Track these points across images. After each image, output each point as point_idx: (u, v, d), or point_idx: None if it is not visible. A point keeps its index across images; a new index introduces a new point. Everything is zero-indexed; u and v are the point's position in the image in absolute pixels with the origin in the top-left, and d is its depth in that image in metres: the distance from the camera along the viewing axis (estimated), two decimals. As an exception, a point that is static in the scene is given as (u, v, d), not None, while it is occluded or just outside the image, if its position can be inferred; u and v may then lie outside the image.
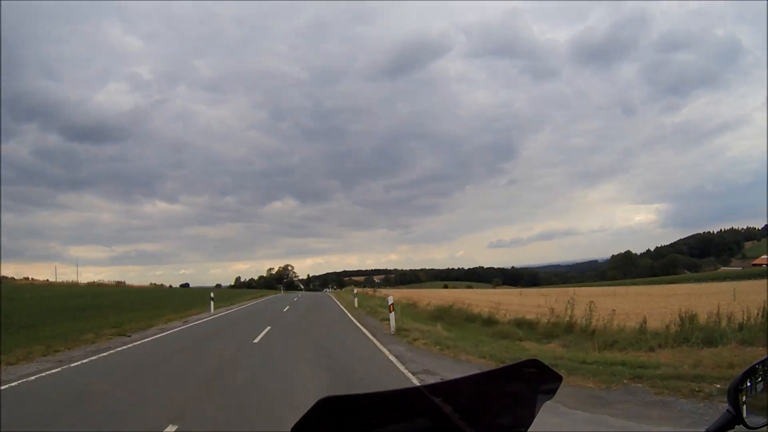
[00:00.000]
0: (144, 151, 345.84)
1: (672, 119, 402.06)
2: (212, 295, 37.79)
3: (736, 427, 1.46)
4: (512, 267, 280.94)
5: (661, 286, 73.50)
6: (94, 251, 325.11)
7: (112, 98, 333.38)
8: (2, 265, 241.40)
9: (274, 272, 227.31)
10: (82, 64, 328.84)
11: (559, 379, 1.36)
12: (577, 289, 71.47)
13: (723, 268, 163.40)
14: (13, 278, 73.39)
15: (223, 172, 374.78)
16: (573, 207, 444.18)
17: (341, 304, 44.72)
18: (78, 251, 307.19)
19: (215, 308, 35.43)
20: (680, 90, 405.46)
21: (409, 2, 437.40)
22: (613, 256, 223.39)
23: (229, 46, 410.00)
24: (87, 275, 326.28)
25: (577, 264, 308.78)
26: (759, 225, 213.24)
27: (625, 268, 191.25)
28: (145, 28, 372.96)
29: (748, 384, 1.60)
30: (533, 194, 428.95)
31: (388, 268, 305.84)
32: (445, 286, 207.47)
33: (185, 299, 47.80)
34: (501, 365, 1.40)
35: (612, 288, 60.41)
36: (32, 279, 72.83)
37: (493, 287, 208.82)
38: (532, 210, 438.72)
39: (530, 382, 1.35)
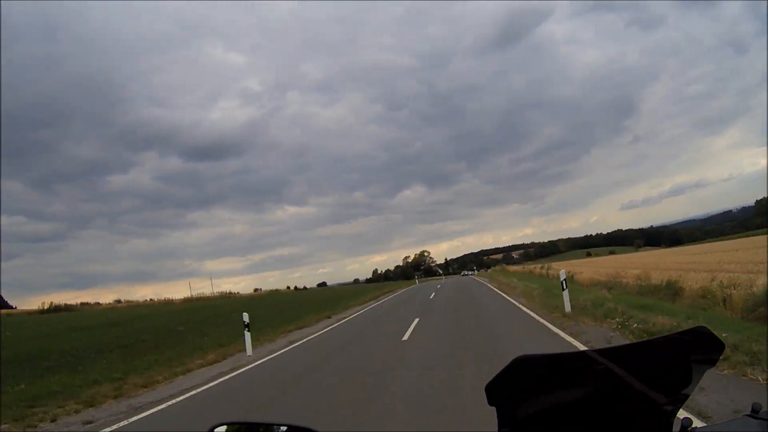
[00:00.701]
0: (267, 161, 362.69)
1: None
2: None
3: None
4: (651, 226, 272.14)
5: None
6: (229, 263, 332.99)
7: (226, 115, 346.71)
8: (141, 287, 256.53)
9: (410, 260, 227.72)
10: (190, 88, 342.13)
11: (722, 347, 1.34)
12: (735, 241, 67.70)
13: None
14: (150, 299, 73.82)
15: (348, 169, 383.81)
16: (700, 158, 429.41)
17: (521, 300, 25.80)
18: (213, 265, 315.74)
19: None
20: None
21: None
22: (758, 201, 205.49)
23: (333, 46, 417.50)
24: (226, 286, 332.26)
25: (712, 216, 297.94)
26: None
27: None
28: (247, 42, 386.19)
29: None
30: (659, 149, 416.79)
31: (525, 242, 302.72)
32: (588, 254, 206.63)
33: (317, 302, 45.14)
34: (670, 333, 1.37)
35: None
36: (126, 300, 71.90)
37: (636, 249, 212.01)
38: (660, 165, 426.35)
39: (695, 348, 1.33)
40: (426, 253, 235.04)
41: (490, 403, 1.27)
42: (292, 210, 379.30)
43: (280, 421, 1.49)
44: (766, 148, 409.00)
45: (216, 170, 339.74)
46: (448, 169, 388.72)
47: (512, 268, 71.77)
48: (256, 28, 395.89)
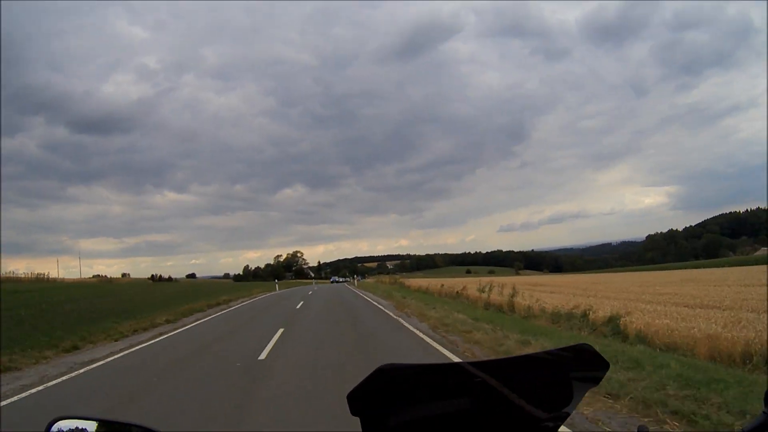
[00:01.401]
0: (153, 142, 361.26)
1: (685, 99, 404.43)
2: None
3: None
4: (532, 250, 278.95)
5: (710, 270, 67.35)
6: (105, 243, 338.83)
7: (119, 89, 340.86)
8: (14, 261, 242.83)
9: (282, 260, 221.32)
10: (88, 57, 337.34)
11: (606, 366, 1.35)
12: (626, 274, 66.52)
13: (763, 248, 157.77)
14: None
15: (233, 161, 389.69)
16: (584, 190, 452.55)
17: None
18: (88, 244, 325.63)
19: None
20: (693, 69, 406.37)
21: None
22: (649, 236, 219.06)
23: (237, 34, 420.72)
24: (99, 268, 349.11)
25: (591, 247, 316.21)
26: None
27: (665, 249, 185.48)
28: (152, 18, 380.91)
29: None
30: (545, 177, 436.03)
31: (401, 253, 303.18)
32: (468, 272, 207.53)
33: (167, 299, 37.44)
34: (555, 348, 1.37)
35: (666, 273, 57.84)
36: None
37: (516, 272, 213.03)
38: (543, 193, 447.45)
39: (578, 366, 1.34)
40: (299, 254, 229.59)
41: (353, 413, 1.21)
42: (172, 196, 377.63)
43: (123, 419, 1.39)
44: (650, 187, 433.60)
45: (102, 145, 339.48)
46: (332, 172, 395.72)
47: (414, 281, 58.56)
48: (164, 5, 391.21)
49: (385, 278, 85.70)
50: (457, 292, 31.85)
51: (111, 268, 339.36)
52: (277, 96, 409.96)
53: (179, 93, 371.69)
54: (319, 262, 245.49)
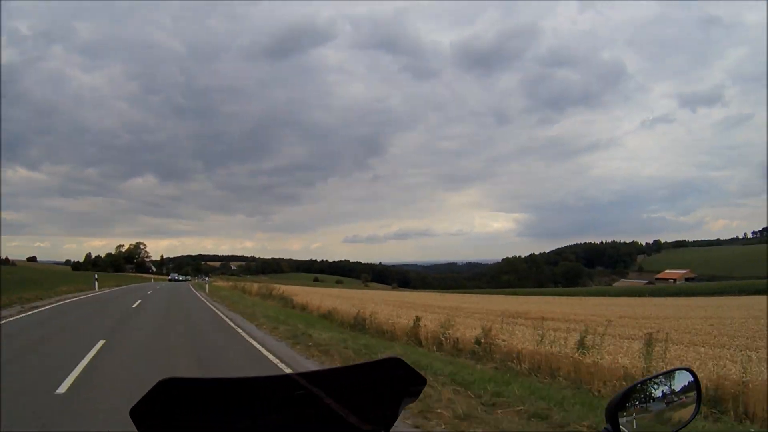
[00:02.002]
0: (13, 112, 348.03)
1: (545, 133, 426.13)
2: None
3: None
4: (380, 263, 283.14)
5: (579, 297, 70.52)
6: None
7: None
8: None
9: (124, 250, 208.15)
10: None
11: (423, 381, 1.33)
12: (490, 296, 69.37)
13: (622, 280, 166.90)
14: None
15: (88, 143, 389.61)
16: (433, 209, 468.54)
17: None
18: None
19: None
20: (558, 105, 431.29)
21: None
22: (506, 259, 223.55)
23: (112, 12, 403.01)
24: None
25: (436, 265, 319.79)
26: (621, 240, 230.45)
27: (523, 273, 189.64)
28: None
29: (628, 403, 1.64)
30: (396, 192, 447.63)
31: (245, 255, 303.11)
32: (315, 280, 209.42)
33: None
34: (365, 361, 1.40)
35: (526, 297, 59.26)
36: None
37: (364, 284, 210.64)
38: (392, 208, 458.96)
39: (393, 379, 1.31)
40: (142, 246, 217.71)
41: (138, 429, 1.12)
42: (23, 172, 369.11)
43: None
44: (499, 213, 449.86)
45: None
46: (184, 165, 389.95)
47: (251, 285, 56.91)
48: None
49: (227, 282, 78.52)
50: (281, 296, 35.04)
51: None
52: (141, 81, 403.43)
53: (46, 64, 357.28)
54: (162, 256, 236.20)
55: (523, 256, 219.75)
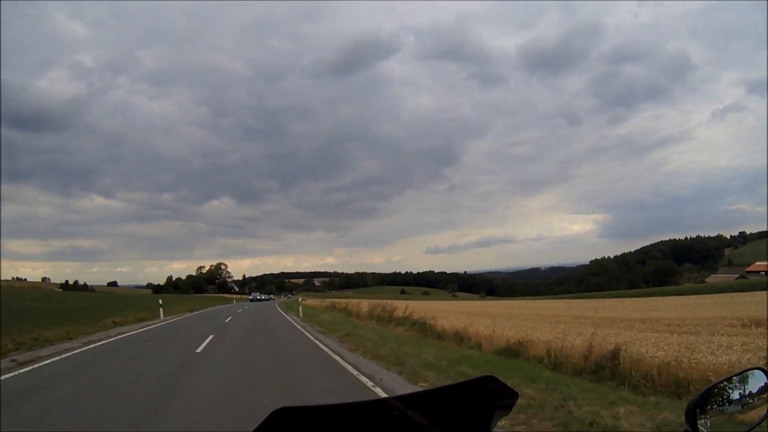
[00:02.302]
0: (84, 144, 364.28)
1: (617, 131, 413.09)
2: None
3: None
4: (465, 272, 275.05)
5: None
6: (31, 245, 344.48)
7: (54, 86, 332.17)
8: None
9: (205, 271, 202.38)
10: (24, 49, 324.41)
11: (515, 395, 1.38)
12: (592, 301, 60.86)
13: (713, 275, 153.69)
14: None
15: (161, 169, 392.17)
16: (511, 215, 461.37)
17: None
18: (14, 245, 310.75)
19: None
20: (627, 102, 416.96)
21: (359, 2, 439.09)
22: (595, 260, 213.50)
23: (175, 39, 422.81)
24: (24, 270, 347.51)
25: (520, 271, 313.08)
26: (705, 234, 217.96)
27: (614, 274, 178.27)
28: (92, 14, 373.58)
29: (706, 406, 1.63)
30: (472, 201, 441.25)
31: (327, 270, 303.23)
32: (402, 292, 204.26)
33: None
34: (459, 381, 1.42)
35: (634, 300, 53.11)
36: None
37: (450, 294, 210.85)
38: (470, 217, 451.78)
39: (487, 396, 1.36)
40: (223, 266, 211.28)
41: None
42: (99, 200, 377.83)
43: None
44: (578, 215, 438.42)
45: (32, 143, 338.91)
46: (260, 186, 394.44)
47: (354, 303, 42.16)
48: (104, 2, 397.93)
49: (321, 301, 62.37)
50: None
51: (36, 272, 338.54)
52: (210, 106, 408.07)
53: (113, 95, 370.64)
54: (244, 276, 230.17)
55: (611, 257, 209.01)
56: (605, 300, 66.78)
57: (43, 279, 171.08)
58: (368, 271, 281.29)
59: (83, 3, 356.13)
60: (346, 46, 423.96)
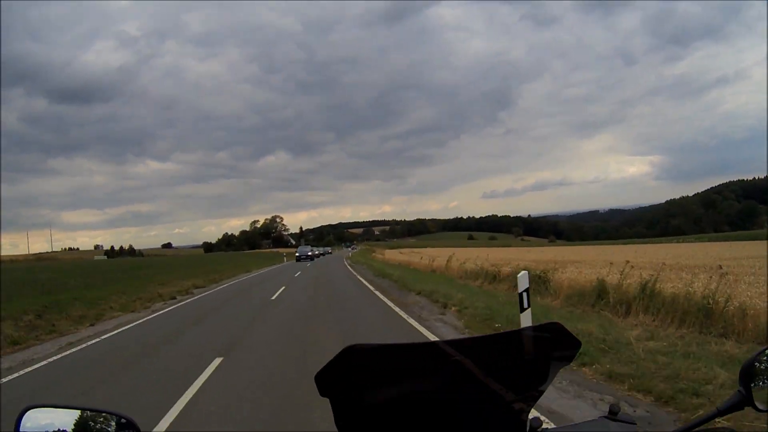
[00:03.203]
0: (134, 110, 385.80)
1: (672, 71, 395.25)
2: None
3: (746, 408, 1.40)
4: (529, 215, 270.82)
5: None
6: (88, 215, 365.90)
7: (99, 57, 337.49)
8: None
9: (259, 225, 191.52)
10: (68, 24, 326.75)
11: (578, 344, 1.35)
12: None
13: None
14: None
15: (215, 128, 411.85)
16: (567, 158, 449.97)
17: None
18: (71, 216, 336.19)
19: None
20: (682, 41, 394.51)
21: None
22: (671, 200, 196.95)
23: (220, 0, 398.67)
24: (82, 240, 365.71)
25: (578, 214, 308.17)
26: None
27: (696, 215, 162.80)
28: None
29: (761, 365, 1.53)
30: (529, 144, 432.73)
31: (385, 219, 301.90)
32: (470, 238, 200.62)
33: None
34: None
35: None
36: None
37: (516, 237, 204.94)
38: (527, 160, 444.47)
39: (550, 345, 1.34)
40: (278, 219, 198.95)
41: (322, 393, 1.19)
42: (154, 165, 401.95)
43: (97, 407, 1.34)
44: (634, 157, 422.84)
45: (81, 115, 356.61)
46: (316, 138, 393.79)
47: (446, 257, 31.10)
48: None
49: (420, 252, 47.07)
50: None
51: (95, 240, 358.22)
52: (260, 63, 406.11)
53: (160, 60, 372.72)
54: (301, 228, 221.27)
55: (689, 195, 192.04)
56: (693, 243, 61.40)
57: (96, 247, 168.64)
58: (427, 218, 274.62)
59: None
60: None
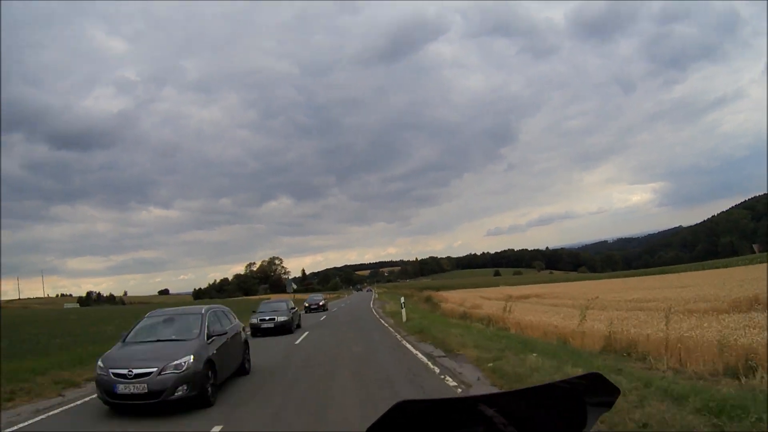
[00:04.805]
0: (135, 157, 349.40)
1: (670, 95, 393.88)
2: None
3: None
4: (547, 248, 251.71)
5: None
6: (91, 262, 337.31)
7: (99, 103, 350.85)
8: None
9: (255, 268, 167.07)
10: (66, 70, 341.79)
11: (617, 392, 1.36)
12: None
13: None
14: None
15: (216, 175, 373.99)
16: (570, 190, 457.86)
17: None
18: (75, 263, 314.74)
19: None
20: (679, 63, 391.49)
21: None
22: (703, 223, 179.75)
23: (215, 45, 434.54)
24: (86, 286, 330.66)
25: (586, 245, 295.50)
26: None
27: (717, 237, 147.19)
28: (130, 29, 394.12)
29: None
30: (531, 179, 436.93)
31: (392, 260, 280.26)
32: (497, 273, 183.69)
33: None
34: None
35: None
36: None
37: (538, 272, 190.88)
38: (529, 195, 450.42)
39: (588, 395, 1.34)
40: (277, 261, 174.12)
41: None
42: (157, 212, 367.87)
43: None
44: (635, 185, 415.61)
45: (83, 162, 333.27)
46: (317, 182, 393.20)
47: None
48: (141, 14, 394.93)
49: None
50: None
51: (99, 286, 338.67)
52: (258, 107, 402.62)
53: (159, 106, 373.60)
54: (303, 271, 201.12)
55: (715, 215, 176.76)
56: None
57: (88, 294, 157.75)
58: (440, 257, 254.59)
59: (118, 18, 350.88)
60: (391, 30, 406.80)
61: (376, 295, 71.09)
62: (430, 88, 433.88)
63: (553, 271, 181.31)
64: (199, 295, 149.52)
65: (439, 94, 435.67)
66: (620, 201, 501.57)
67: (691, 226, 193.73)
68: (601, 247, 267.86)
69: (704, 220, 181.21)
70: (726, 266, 64.59)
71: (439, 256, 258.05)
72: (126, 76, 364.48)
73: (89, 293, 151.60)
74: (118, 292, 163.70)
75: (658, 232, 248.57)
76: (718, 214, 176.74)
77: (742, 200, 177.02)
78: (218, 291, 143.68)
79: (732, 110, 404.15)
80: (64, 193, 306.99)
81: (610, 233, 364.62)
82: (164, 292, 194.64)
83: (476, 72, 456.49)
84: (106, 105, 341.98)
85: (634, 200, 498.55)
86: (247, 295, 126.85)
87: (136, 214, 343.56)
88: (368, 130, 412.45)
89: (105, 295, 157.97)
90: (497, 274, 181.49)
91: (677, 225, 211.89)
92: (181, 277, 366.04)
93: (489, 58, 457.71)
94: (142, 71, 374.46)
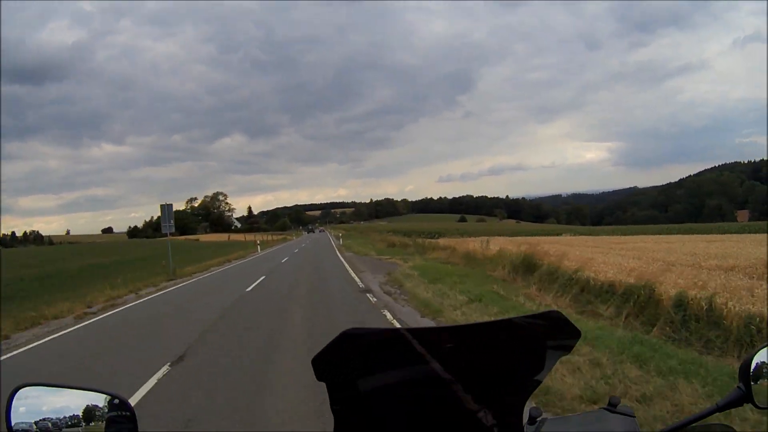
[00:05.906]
0: (89, 91, 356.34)
1: (635, 57, 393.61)
2: None
3: (745, 405, 1.41)
4: (507, 197, 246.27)
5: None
6: (44, 200, 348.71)
7: (53, 35, 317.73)
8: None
9: (197, 205, 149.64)
10: (22, 3, 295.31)
11: (577, 334, 1.29)
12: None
13: None
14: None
15: (170, 110, 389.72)
16: (525, 143, 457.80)
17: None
18: (27, 201, 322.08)
19: None
20: (648, 27, 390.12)
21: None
22: (691, 176, 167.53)
23: None
24: (38, 225, 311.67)
25: (541, 198, 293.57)
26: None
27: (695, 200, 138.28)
28: None
29: (760, 362, 1.53)
30: (487, 128, 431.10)
31: (344, 201, 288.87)
32: (462, 219, 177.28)
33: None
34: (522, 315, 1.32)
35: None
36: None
37: (500, 220, 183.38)
38: (484, 144, 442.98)
39: (550, 333, 1.29)
40: (221, 197, 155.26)
41: (318, 378, 1.17)
42: (109, 148, 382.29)
43: (87, 386, 1.34)
44: (593, 143, 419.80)
45: (36, 96, 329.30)
46: (272, 120, 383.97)
47: None
48: None
49: None
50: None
51: (50, 226, 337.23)
52: (217, 42, 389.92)
53: (116, 39, 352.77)
54: (249, 208, 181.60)
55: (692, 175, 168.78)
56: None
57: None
58: (381, 200, 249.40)
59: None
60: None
61: (339, 241, 53.13)
62: (393, 30, 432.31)
63: (520, 221, 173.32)
64: (134, 233, 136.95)
65: (402, 37, 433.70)
66: (574, 157, 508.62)
67: (657, 187, 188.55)
68: (556, 200, 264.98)
69: (679, 180, 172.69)
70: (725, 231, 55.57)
71: (394, 199, 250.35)
72: (82, 7, 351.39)
73: (13, 233, 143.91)
74: (74, 232, 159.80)
75: (613, 191, 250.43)
76: (700, 175, 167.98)
77: (703, 168, 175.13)
78: (155, 230, 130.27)
79: (695, 80, 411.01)
80: (16, 129, 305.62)
81: (562, 188, 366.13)
82: (108, 231, 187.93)
83: (441, 17, 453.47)
84: (60, 37, 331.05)
85: (588, 157, 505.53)
86: (183, 234, 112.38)
87: (87, 151, 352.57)
88: (326, 69, 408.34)
89: (46, 236, 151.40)
90: (463, 219, 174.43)
91: (632, 185, 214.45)
92: (132, 215, 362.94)
93: (455, 4, 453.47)
94: (98, 2, 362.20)
